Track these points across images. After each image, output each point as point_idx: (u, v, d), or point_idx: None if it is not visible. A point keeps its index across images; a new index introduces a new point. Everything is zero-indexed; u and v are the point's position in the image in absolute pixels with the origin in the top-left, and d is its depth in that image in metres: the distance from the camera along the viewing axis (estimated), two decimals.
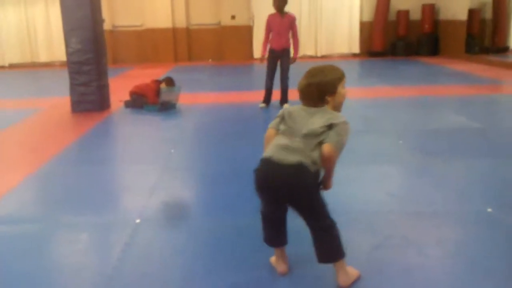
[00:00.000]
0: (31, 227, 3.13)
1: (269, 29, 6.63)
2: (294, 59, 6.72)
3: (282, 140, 2.26)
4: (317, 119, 2.24)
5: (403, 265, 2.53)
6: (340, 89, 2.31)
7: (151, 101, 6.78)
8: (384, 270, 2.49)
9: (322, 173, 2.29)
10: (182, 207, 3.46)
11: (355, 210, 3.23)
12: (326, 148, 2.18)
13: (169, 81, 7.00)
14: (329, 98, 2.28)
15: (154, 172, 4.14)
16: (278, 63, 6.69)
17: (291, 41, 6.70)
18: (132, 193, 3.74)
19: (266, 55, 6.74)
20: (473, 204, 3.32)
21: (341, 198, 3.32)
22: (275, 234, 2.44)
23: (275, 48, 6.61)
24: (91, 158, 4.73)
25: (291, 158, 2.18)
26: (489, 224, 3.00)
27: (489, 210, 3.18)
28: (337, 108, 2.33)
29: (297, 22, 6.68)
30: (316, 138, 2.20)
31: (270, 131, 2.38)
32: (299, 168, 2.16)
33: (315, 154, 2.19)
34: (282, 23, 6.52)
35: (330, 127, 2.21)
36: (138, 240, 2.90)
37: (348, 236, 2.52)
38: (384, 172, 4.01)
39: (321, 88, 2.28)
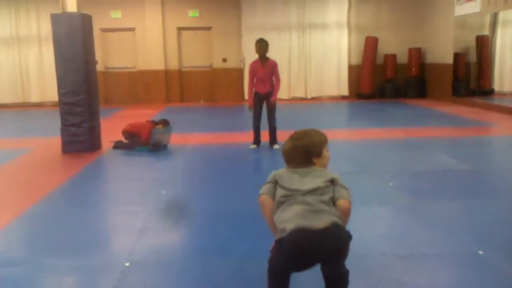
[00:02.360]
0: (16, 270, 3.06)
1: (252, 76, 6.78)
2: (273, 102, 6.75)
3: (298, 207, 2.21)
4: (314, 178, 2.29)
5: None
6: (324, 152, 2.40)
7: (144, 140, 6.77)
8: None
9: None
10: (172, 249, 3.41)
11: None
12: (345, 204, 2.27)
13: (165, 123, 7.04)
14: (315, 161, 2.36)
15: (144, 213, 4.10)
16: (264, 104, 6.80)
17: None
18: (121, 235, 3.70)
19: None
20: (464, 246, 3.32)
21: None
22: None
23: (260, 92, 6.74)
24: (80, 199, 4.69)
25: (323, 221, 2.15)
26: (480, 266, 3.00)
27: (480, 252, 3.18)
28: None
29: (278, 68, 6.78)
30: (323, 194, 2.25)
31: (265, 198, 2.36)
32: (334, 228, 2.16)
33: (335, 210, 2.25)
34: (265, 70, 6.67)
35: (332, 182, 2.29)
36: (127, 284, 2.84)
37: None
38: (374, 214, 4.01)
39: (308, 150, 2.35)
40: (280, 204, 2.29)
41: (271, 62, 6.72)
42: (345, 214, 2.28)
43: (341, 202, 2.27)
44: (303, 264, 2.23)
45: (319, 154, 2.37)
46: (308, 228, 2.13)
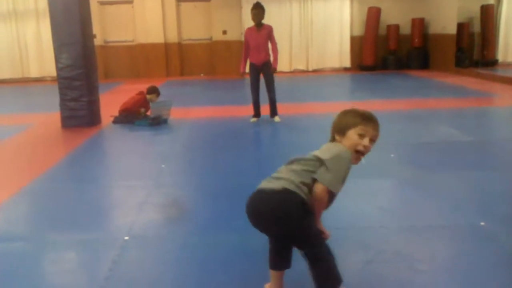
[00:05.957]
0: (17, 246, 3.06)
1: (247, 43, 6.62)
2: (274, 69, 6.59)
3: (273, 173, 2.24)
4: (317, 149, 2.23)
5: (395, 281, 2.50)
6: (350, 134, 2.19)
7: (141, 109, 6.78)
8: (376, 286, 2.45)
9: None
10: (171, 223, 3.41)
11: (346, 224, 3.19)
12: (318, 188, 2.08)
13: (154, 90, 7.05)
14: (337, 137, 2.24)
15: (144, 188, 4.09)
16: (262, 76, 6.65)
17: (271, 53, 6.63)
18: (121, 209, 3.69)
19: (247, 70, 6.72)
20: (466, 217, 3.30)
21: (332, 212, 3.27)
22: (277, 259, 2.31)
23: (255, 62, 6.58)
24: (80, 175, 4.67)
25: (275, 185, 2.13)
26: (482, 238, 2.98)
27: (482, 223, 3.15)
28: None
29: (274, 33, 6.60)
30: (301, 165, 2.16)
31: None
32: (283, 192, 2.09)
33: (305, 188, 2.11)
34: (259, 37, 6.50)
35: (321, 161, 2.12)
36: (126, 258, 2.84)
37: (339, 251, 2.47)
38: (375, 186, 3.99)
39: (334, 126, 2.27)
40: None
41: (266, 27, 6.55)
42: (315, 199, 2.09)
43: (316, 186, 2.09)
44: (254, 223, 2.20)
45: (341, 133, 2.22)
46: (260, 188, 2.18)
